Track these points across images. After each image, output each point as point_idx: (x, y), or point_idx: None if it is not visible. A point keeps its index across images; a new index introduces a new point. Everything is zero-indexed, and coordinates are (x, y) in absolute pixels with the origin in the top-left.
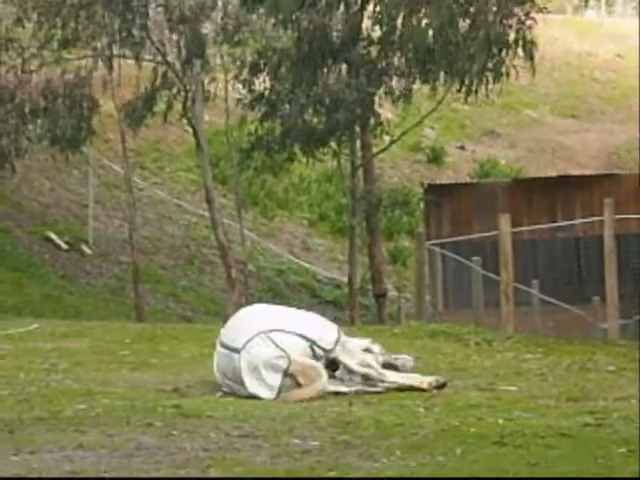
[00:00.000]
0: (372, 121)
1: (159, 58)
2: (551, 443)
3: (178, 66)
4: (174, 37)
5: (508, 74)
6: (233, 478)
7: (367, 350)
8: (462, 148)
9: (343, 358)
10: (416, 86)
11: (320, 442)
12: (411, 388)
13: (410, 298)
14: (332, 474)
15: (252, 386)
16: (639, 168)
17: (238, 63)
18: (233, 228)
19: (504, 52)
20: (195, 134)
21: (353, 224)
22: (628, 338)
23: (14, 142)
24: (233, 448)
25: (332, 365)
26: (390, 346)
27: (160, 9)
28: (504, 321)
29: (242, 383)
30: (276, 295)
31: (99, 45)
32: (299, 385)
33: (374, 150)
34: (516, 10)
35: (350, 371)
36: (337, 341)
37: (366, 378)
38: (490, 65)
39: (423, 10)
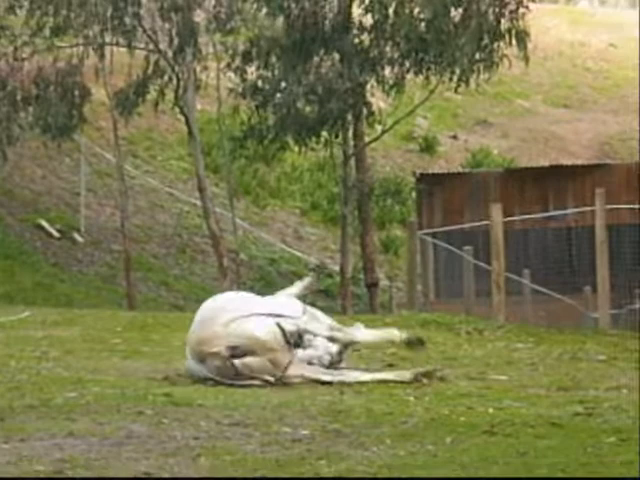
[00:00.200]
0: (364, 110)
1: (151, 46)
2: (541, 432)
3: (170, 54)
4: (166, 25)
5: (499, 64)
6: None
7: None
8: (454, 137)
9: (311, 326)
10: (409, 75)
11: (310, 431)
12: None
13: (402, 287)
14: (322, 462)
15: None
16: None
17: (230, 52)
18: (225, 217)
19: (496, 42)
20: (187, 122)
21: (345, 213)
22: (619, 328)
23: (6, 130)
24: (223, 437)
25: (299, 340)
26: None
27: None
28: (495, 310)
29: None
30: (268, 284)
31: (91, 33)
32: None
33: (366, 139)
34: None
35: (317, 336)
36: (304, 311)
37: (332, 340)
38: (482, 55)
39: None
